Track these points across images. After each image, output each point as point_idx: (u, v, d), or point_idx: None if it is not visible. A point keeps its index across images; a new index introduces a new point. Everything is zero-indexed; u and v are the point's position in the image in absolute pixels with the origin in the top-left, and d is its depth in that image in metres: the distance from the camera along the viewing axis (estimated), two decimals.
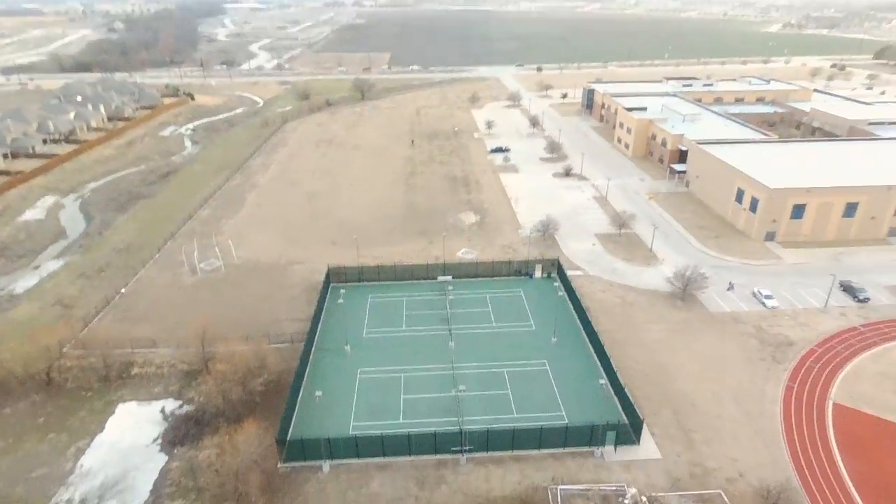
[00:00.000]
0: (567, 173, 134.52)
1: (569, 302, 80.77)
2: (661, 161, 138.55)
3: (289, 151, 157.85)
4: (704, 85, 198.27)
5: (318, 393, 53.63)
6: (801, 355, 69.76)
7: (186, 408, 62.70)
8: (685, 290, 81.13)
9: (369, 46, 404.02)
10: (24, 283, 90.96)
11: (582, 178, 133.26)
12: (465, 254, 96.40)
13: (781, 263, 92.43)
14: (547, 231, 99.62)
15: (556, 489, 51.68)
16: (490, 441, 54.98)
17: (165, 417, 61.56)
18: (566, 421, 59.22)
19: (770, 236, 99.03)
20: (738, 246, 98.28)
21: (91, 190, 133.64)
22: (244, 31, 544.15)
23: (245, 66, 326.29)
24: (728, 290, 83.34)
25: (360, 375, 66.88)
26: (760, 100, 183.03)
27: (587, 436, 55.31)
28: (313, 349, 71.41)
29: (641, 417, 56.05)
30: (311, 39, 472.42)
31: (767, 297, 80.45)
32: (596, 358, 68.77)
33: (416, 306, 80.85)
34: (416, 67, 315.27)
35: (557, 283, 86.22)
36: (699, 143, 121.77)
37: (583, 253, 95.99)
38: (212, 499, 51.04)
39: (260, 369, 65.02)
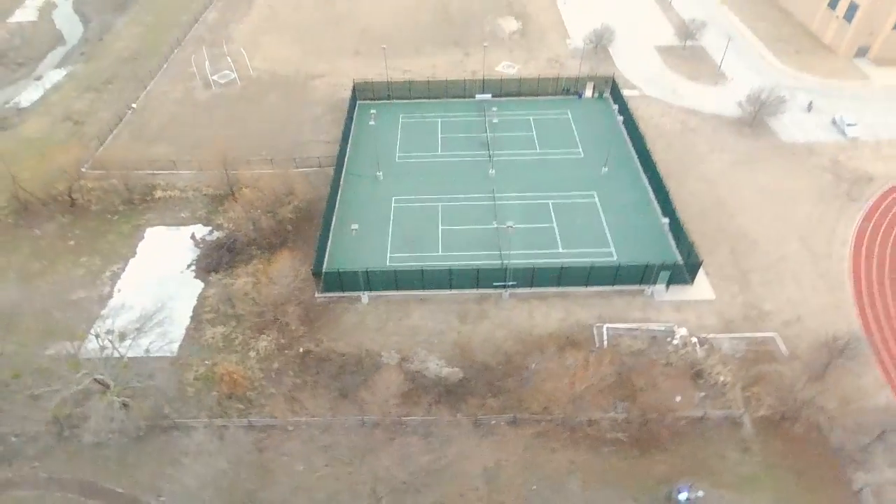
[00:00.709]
0: None
1: (622, 127, 72.47)
2: None
3: None
4: None
5: (355, 226, 49.70)
6: (879, 193, 62.98)
7: (217, 234, 60.21)
8: (756, 116, 71.73)
9: None
10: (28, 95, 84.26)
11: None
12: (505, 68, 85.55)
13: (870, 86, 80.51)
14: (600, 42, 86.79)
15: (603, 327, 49.96)
16: (535, 277, 52.18)
17: (196, 244, 59.44)
18: (615, 258, 55.75)
19: (862, 52, 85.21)
20: (822, 63, 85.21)
21: None
22: None
23: None
24: (808, 110, 73.71)
25: (394, 204, 62.72)
26: None
27: (638, 275, 52.04)
28: (343, 175, 66.50)
29: (700, 258, 51.93)
30: None
31: (850, 124, 70.90)
32: (650, 191, 63.00)
33: (453, 128, 73.51)
34: None
35: (611, 105, 76.90)
36: None
37: (640, 69, 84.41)
38: (252, 326, 50.58)
39: (288, 196, 61.03)
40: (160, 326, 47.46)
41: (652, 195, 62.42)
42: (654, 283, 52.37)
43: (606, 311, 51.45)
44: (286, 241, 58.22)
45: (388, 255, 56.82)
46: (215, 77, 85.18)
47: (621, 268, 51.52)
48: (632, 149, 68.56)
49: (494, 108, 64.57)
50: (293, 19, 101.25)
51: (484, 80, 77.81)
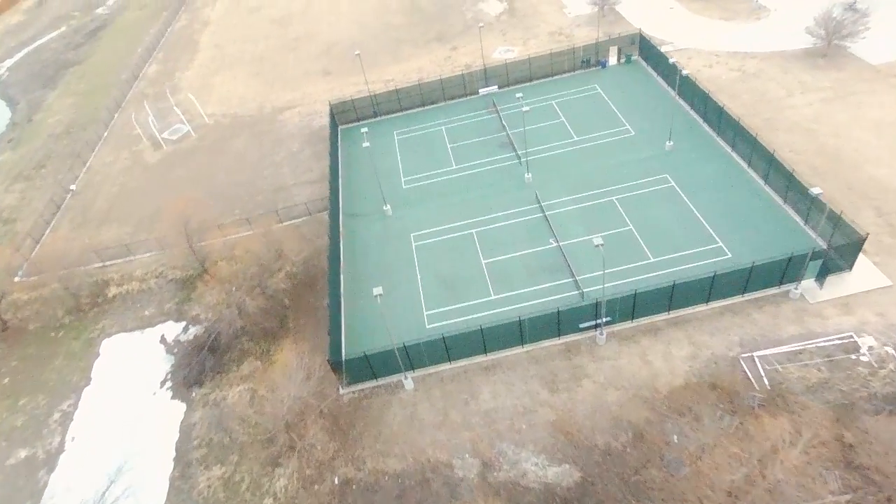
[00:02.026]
0: None
1: (669, 89, 58.13)
2: None
3: None
4: None
5: (378, 291, 33.63)
6: None
7: (193, 330, 45.41)
8: (830, 43, 57.52)
9: None
10: None
11: None
12: (503, 53, 71.51)
13: None
14: (607, 3, 72.93)
15: (753, 358, 34.99)
16: (636, 304, 37.27)
17: (169, 349, 44.64)
18: (728, 255, 40.94)
19: None
20: None
21: (7, 69, 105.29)
22: None
23: None
24: (851, 8, 60.02)
25: (415, 243, 48.01)
26: None
27: (777, 272, 37.18)
28: (341, 218, 51.98)
29: (863, 234, 36.86)
30: None
31: None
32: (737, 158, 48.43)
33: (463, 134, 59.13)
34: None
35: (644, 68, 62.70)
36: None
37: (662, 22, 70.45)
38: (262, 459, 35.51)
39: (277, 261, 46.46)
40: (134, 474, 32.63)
41: (743, 163, 47.83)
42: (801, 279, 37.49)
43: (747, 332, 36.45)
44: (285, 322, 43.48)
45: (425, 313, 41.90)
46: (165, 134, 71.00)
47: (754, 268, 36.56)
48: (692, 113, 54.13)
49: (519, 95, 50.31)
50: (245, 52, 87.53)
51: (485, 69, 63.60)
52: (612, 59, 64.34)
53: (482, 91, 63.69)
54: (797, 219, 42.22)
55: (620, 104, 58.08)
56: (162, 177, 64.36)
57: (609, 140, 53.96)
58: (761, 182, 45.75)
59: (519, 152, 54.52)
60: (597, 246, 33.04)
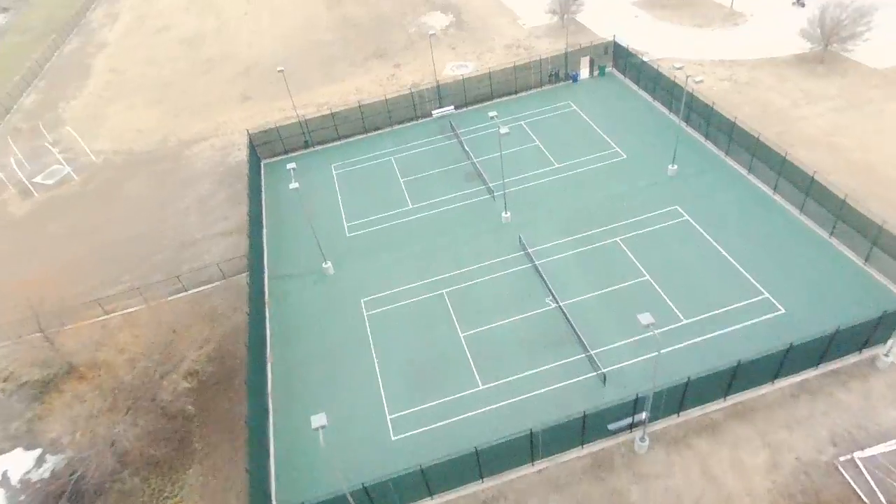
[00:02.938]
0: None
1: (657, 104, 49.63)
2: None
3: None
4: None
5: (319, 422, 20.78)
6: None
7: (51, 463, 31.45)
8: (827, 47, 50.93)
9: None
10: None
11: None
12: (456, 69, 61.57)
13: None
14: (566, 12, 64.70)
15: (854, 460, 25.16)
16: (686, 392, 26.83)
17: (13, 494, 30.46)
18: (781, 309, 31.53)
19: None
20: None
21: None
22: None
23: None
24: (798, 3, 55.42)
25: (367, 312, 36.17)
26: None
27: (860, 334, 27.84)
28: (266, 282, 39.50)
29: None
30: None
31: None
32: (757, 182, 39.79)
33: (417, 164, 48.15)
34: None
35: (622, 80, 54.18)
36: None
37: (629, 31, 62.63)
38: None
39: (173, 349, 33.40)
40: None
41: (765, 188, 39.18)
42: (885, 338, 28.34)
43: (837, 422, 26.67)
44: (188, 442, 30.38)
45: (388, 418, 29.89)
46: (38, 178, 56.25)
47: (839, 332, 26.98)
48: (688, 128, 45.49)
49: (493, 114, 39.37)
50: (147, 77, 73.70)
51: (438, 87, 53.15)
52: (584, 72, 55.58)
53: (436, 113, 53.21)
54: (852, 256, 33.52)
55: (603, 122, 48.90)
56: (32, 233, 49.68)
57: (598, 166, 44.34)
58: (795, 211, 37.07)
59: (490, 184, 44.00)
60: (646, 326, 22.30)
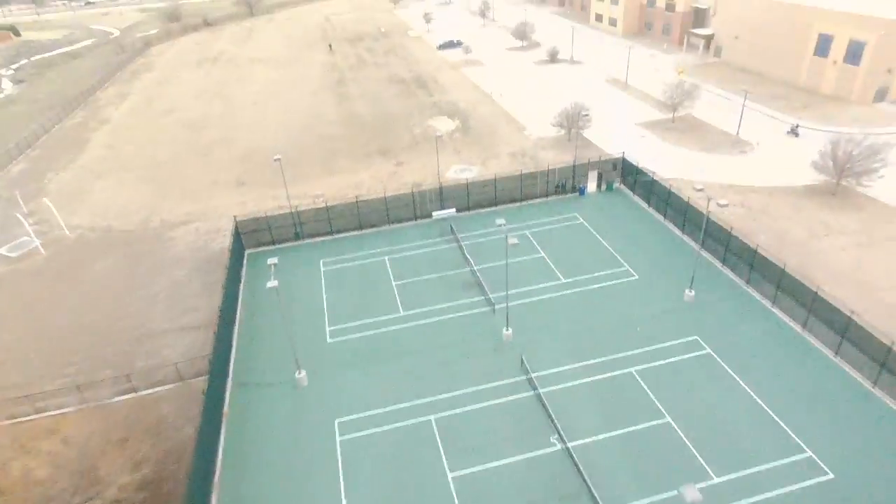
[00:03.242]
0: (553, 58, 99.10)
1: (669, 224, 47.44)
2: (664, 32, 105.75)
3: (157, 76, 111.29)
4: None
5: None
6: None
7: None
8: (839, 181, 49.92)
9: None
10: None
11: (575, 62, 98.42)
12: (460, 172, 60.15)
13: None
14: (574, 126, 64.82)
15: None
16: None
17: None
18: (829, 474, 26.70)
19: (881, 96, 69.58)
20: (844, 113, 68.20)
21: None
22: None
23: None
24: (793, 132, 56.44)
25: (340, 436, 30.83)
26: None
27: None
28: (228, 389, 34.31)
29: None
30: None
31: None
32: (782, 315, 36.33)
33: (412, 267, 44.63)
34: None
35: (630, 197, 52.50)
36: None
37: (636, 149, 62.27)
38: None
39: (101, 469, 27.62)
40: None
41: (794, 324, 35.64)
42: None
43: None
44: None
45: None
46: (2, 249, 52.12)
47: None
48: (703, 252, 42.77)
49: (501, 222, 36.45)
50: (142, 155, 71.98)
51: (441, 188, 51.03)
52: (591, 186, 54.05)
53: (437, 214, 50.46)
54: None
55: (612, 238, 46.28)
56: None
57: (608, 284, 40.98)
58: (829, 354, 33.28)
59: (491, 295, 40.28)
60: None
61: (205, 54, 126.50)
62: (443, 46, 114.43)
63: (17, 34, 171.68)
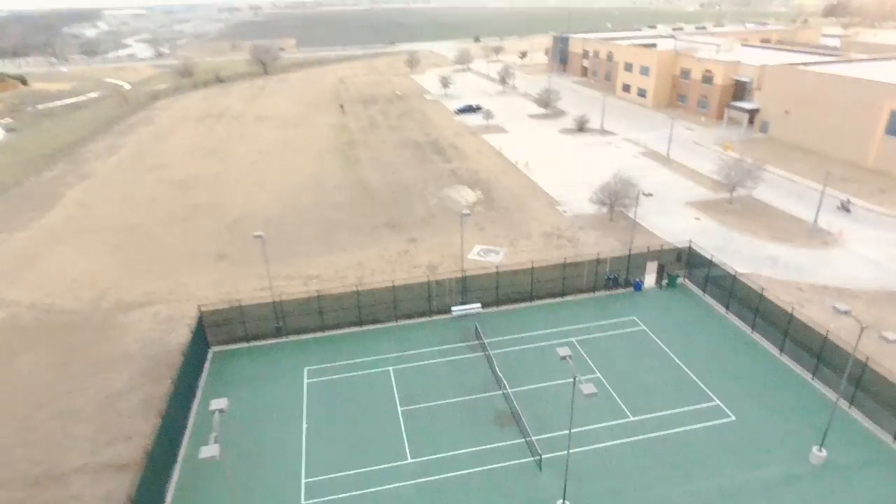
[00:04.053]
0: (581, 127, 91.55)
1: (764, 341, 36.51)
2: (700, 106, 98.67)
3: (154, 130, 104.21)
4: (697, 28, 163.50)
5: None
6: None
7: None
8: None
9: (270, 34, 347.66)
10: None
11: (606, 132, 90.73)
12: (485, 255, 50.04)
13: None
14: (616, 203, 55.35)
15: None
16: None
17: None
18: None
19: None
20: None
21: None
22: (120, 29, 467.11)
23: (112, 54, 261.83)
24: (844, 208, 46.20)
25: None
26: (767, 41, 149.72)
27: None
28: None
29: None
30: (200, 31, 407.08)
31: None
32: None
33: (426, 384, 33.49)
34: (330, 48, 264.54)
35: (699, 296, 41.90)
36: (793, 65, 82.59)
37: (690, 235, 52.40)
38: None
39: None
40: None
41: None
42: None
43: None
44: None
45: None
46: None
47: None
48: (814, 381, 31.67)
49: (565, 353, 25.47)
50: (115, 216, 62.56)
51: (464, 277, 40.67)
52: (651, 279, 43.68)
53: (457, 310, 40.15)
54: None
55: (687, 355, 35.33)
56: None
57: (695, 429, 29.67)
58: None
59: (533, 437, 28.98)
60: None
61: (210, 110, 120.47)
62: (461, 111, 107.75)
63: (25, 83, 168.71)
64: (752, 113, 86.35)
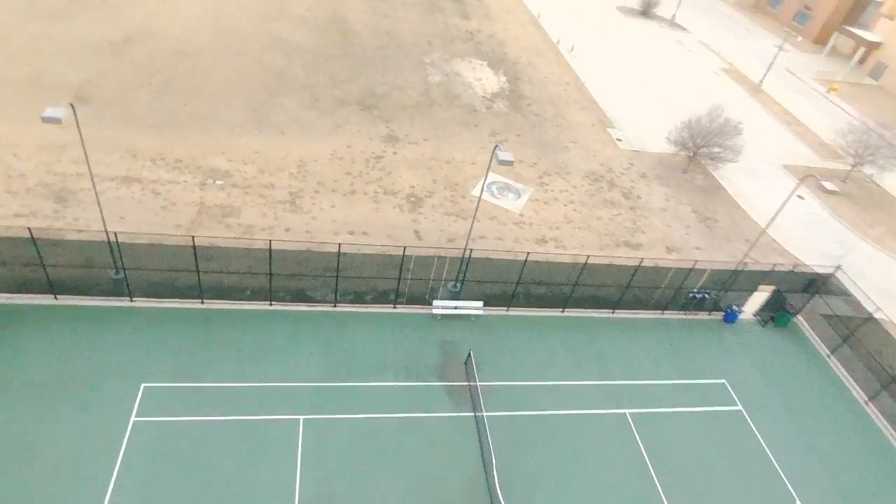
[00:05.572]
0: (646, 11, 68.91)
1: None
2: (799, 20, 75.95)
3: None
4: None
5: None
6: None
7: None
8: None
9: None
10: None
11: (676, 25, 68.50)
12: (498, 194, 31.93)
13: None
14: (698, 147, 37.12)
15: None
16: None
17: None
18: None
19: None
20: None
21: None
22: None
23: None
24: None
25: None
26: None
27: None
28: None
29: None
30: None
31: None
32: None
33: (356, 453, 17.51)
34: None
35: (815, 345, 26.27)
36: None
37: (791, 223, 35.68)
38: None
39: None
40: None
41: None
42: None
43: None
44: None
45: None
46: None
47: None
48: None
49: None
50: None
51: (468, 258, 23.22)
52: (751, 308, 27.47)
53: (441, 307, 23.35)
54: None
55: (805, 470, 20.40)
56: None
57: None
58: None
59: None
60: None
61: None
62: None
63: None
64: (871, 46, 65.43)
